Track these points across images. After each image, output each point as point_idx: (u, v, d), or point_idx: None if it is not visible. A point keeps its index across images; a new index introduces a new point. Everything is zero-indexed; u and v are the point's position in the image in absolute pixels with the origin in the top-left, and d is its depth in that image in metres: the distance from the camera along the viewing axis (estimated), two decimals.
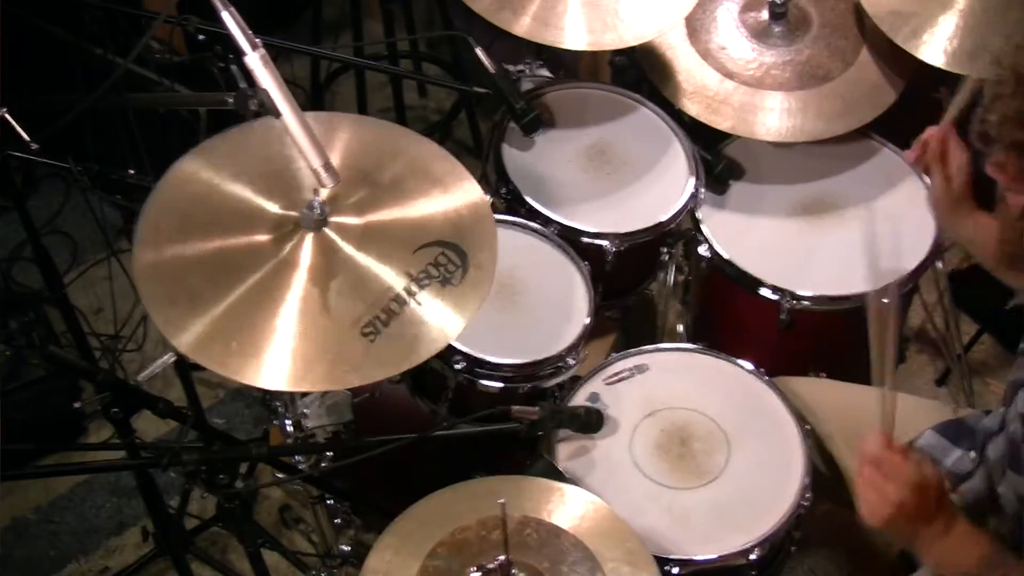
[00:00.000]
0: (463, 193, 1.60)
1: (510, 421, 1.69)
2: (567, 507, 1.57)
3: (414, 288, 1.47)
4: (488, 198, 1.61)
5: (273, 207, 1.53)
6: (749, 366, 1.93)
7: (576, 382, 1.92)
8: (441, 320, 1.46)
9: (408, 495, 1.61)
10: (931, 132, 1.80)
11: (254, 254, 1.48)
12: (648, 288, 2.30)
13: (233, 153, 1.59)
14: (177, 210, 1.51)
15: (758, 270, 2.07)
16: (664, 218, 2.09)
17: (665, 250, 2.22)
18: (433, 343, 1.45)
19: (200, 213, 1.51)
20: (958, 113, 1.83)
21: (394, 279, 1.48)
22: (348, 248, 1.50)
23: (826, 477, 1.88)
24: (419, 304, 1.47)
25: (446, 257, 1.51)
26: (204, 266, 1.46)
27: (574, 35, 2.03)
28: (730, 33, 2.23)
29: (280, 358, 1.39)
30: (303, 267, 1.47)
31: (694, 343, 2.18)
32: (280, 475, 2.17)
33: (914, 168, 2.17)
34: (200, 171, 1.56)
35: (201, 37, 1.97)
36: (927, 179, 2.11)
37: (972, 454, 1.60)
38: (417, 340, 1.44)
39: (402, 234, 1.54)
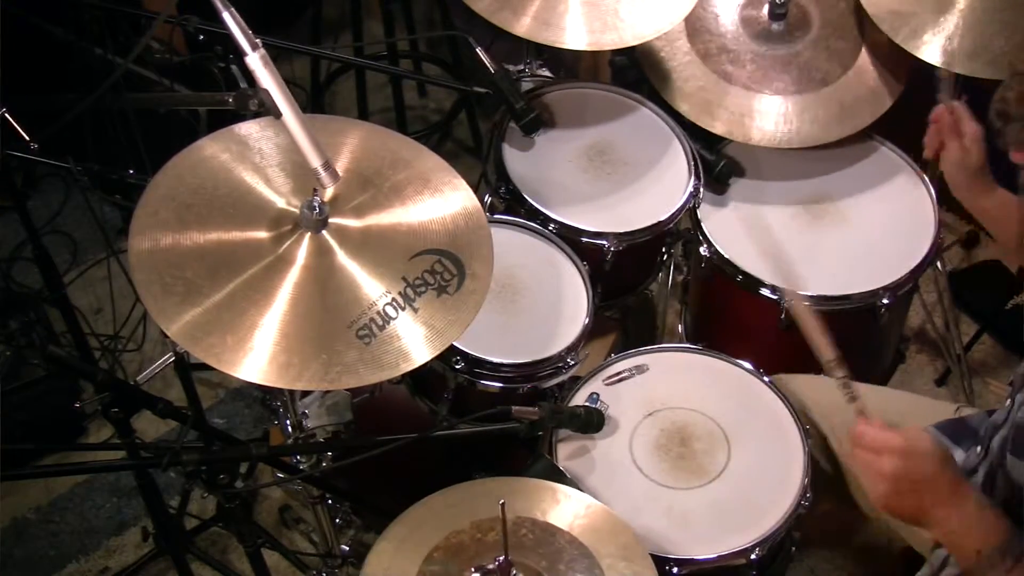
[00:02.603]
0: (461, 204, 1.61)
1: (510, 421, 1.68)
2: (560, 506, 1.58)
3: (410, 294, 1.48)
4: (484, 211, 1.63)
5: (280, 200, 1.54)
6: (749, 366, 1.93)
7: (576, 382, 1.91)
8: (437, 327, 1.46)
9: (408, 495, 1.61)
10: (939, 109, 1.80)
11: (251, 249, 1.48)
12: (648, 288, 2.30)
13: (251, 140, 1.60)
14: (177, 200, 1.51)
15: (758, 270, 2.07)
16: (664, 218, 2.09)
17: (665, 250, 2.22)
18: (428, 349, 1.45)
19: (200, 204, 1.51)
20: (952, 93, 1.84)
21: (390, 284, 1.48)
22: (345, 250, 1.50)
23: (827, 473, 1.88)
24: (415, 310, 1.47)
25: (442, 266, 1.52)
26: (201, 257, 1.45)
27: (574, 35, 2.02)
28: (730, 33, 2.23)
29: (272, 355, 1.39)
30: (299, 266, 1.47)
31: (694, 343, 2.18)
32: (280, 475, 2.17)
33: (912, 166, 2.17)
34: (213, 155, 1.57)
35: (201, 37, 1.97)
36: (926, 178, 2.12)
37: (978, 448, 1.60)
38: (412, 345, 1.44)
39: (400, 240, 1.54)
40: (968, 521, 1.32)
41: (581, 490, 1.64)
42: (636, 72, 2.32)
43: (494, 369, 1.86)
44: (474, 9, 2.03)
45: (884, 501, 1.34)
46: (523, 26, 2.01)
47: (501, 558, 1.44)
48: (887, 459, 1.33)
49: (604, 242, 2.05)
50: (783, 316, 2.05)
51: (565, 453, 1.81)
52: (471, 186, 1.65)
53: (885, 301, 2.04)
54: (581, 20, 2.02)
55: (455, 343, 1.76)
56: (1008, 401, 1.50)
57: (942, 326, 2.64)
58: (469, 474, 1.74)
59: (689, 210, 2.15)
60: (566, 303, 1.98)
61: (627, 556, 1.50)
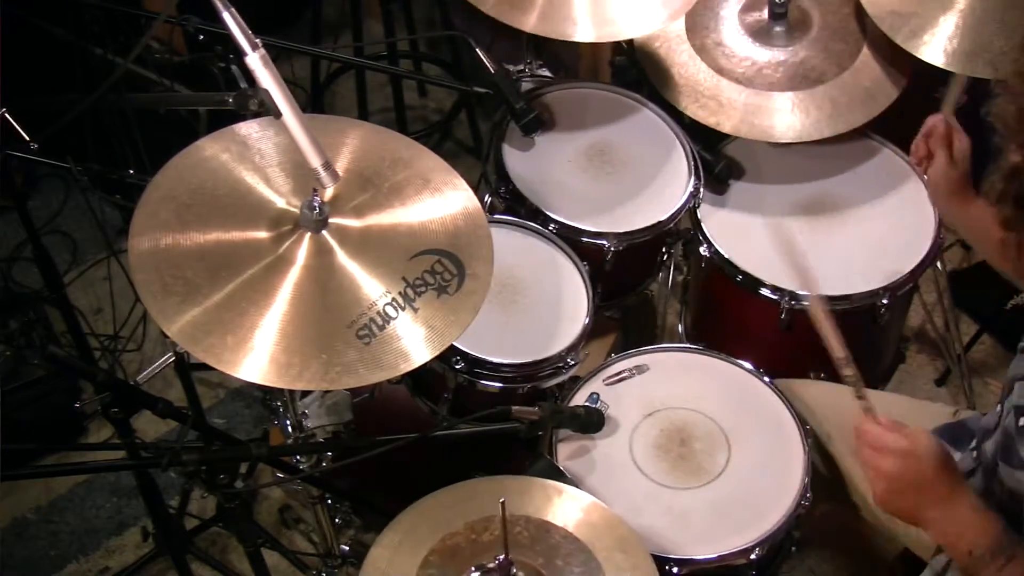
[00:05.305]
0: (461, 204, 1.61)
1: (510, 421, 1.68)
2: (553, 502, 1.58)
3: (410, 294, 1.48)
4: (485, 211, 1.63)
5: (280, 200, 1.54)
6: (749, 366, 1.93)
7: (576, 382, 1.92)
8: (437, 327, 1.46)
9: (408, 495, 1.61)
10: (934, 119, 1.82)
11: (251, 249, 1.48)
12: (648, 288, 2.30)
13: (251, 140, 1.60)
14: (177, 200, 1.51)
15: (758, 270, 2.07)
16: (664, 218, 2.09)
17: (665, 250, 2.22)
18: (428, 349, 1.45)
19: (200, 204, 1.51)
20: (955, 104, 1.87)
21: (390, 284, 1.48)
22: (345, 250, 1.50)
23: (826, 477, 1.88)
24: (415, 310, 1.47)
25: (442, 266, 1.52)
26: (201, 257, 1.45)
27: (584, 28, 2.01)
28: (729, 31, 2.23)
29: (272, 355, 1.39)
30: (299, 266, 1.47)
31: (694, 343, 2.18)
32: (280, 475, 2.17)
33: (913, 168, 2.17)
34: (214, 155, 1.57)
35: (201, 37, 1.97)
36: (926, 177, 2.11)
37: (974, 453, 1.60)
38: (412, 345, 1.44)
39: (400, 240, 1.54)
40: (961, 523, 1.35)
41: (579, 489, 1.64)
42: (636, 72, 2.32)
43: (494, 369, 1.86)
44: (482, 10, 2.02)
45: (881, 498, 1.38)
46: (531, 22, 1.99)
47: (501, 557, 1.44)
48: (887, 459, 1.36)
49: (604, 242, 2.05)
50: (783, 316, 2.05)
51: (565, 453, 1.81)
52: (471, 186, 1.65)
53: (885, 301, 2.04)
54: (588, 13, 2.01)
55: (455, 343, 1.76)
56: (999, 406, 1.50)
57: (942, 326, 2.64)
58: (469, 474, 1.74)
59: (689, 210, 2.15)
60: (566, 303, 1.98)
61: (624, 548, 1.50)
